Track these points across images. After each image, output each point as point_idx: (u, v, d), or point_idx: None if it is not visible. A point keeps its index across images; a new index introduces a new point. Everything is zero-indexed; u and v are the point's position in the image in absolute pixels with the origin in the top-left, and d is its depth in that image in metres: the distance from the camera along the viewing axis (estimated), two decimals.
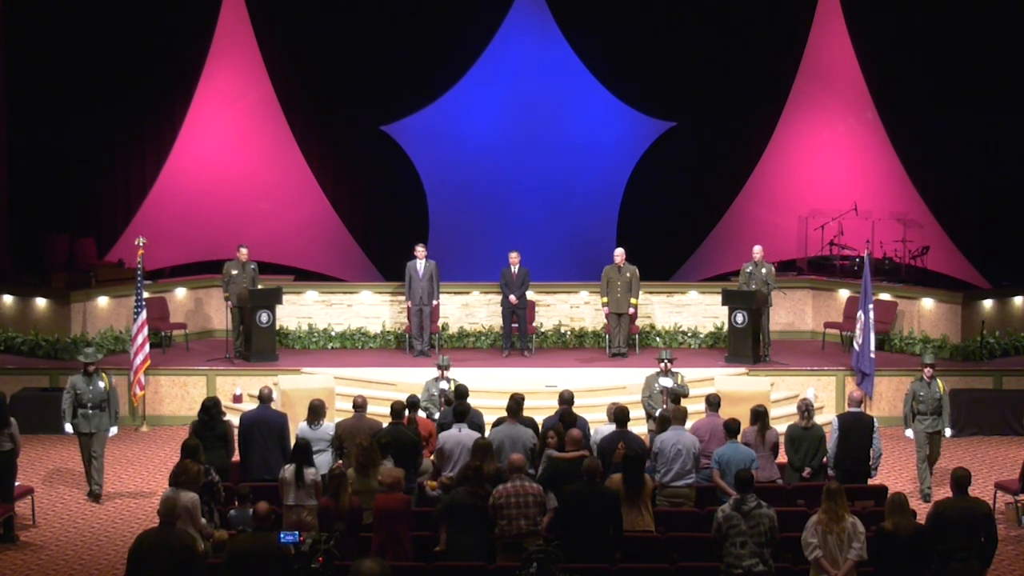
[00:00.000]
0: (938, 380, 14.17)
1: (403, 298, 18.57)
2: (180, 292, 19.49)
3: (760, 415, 12.60)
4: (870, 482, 12.76)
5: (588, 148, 21.62)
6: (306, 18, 20.66)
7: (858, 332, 16.75)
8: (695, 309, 19.42)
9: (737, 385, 16.37)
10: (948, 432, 14.36)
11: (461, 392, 12.96)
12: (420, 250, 18.25)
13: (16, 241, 19.55)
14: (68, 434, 14.13)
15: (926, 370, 14.17)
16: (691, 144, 21.31)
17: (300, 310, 19.28)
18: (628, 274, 18.16)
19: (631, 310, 18.23)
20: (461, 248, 20.77)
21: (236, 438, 12.73)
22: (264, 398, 12.86)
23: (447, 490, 10.87)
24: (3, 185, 19.39)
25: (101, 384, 13.95)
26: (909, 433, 14.25)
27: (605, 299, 18.20)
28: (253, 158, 20.93)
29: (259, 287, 18.09)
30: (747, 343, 17.70)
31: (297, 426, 12.64)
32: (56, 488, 14.44)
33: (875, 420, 12.91)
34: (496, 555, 10.25)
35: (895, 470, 15.10)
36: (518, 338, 18.58)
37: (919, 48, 19.83)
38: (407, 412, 12.47)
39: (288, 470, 11.05)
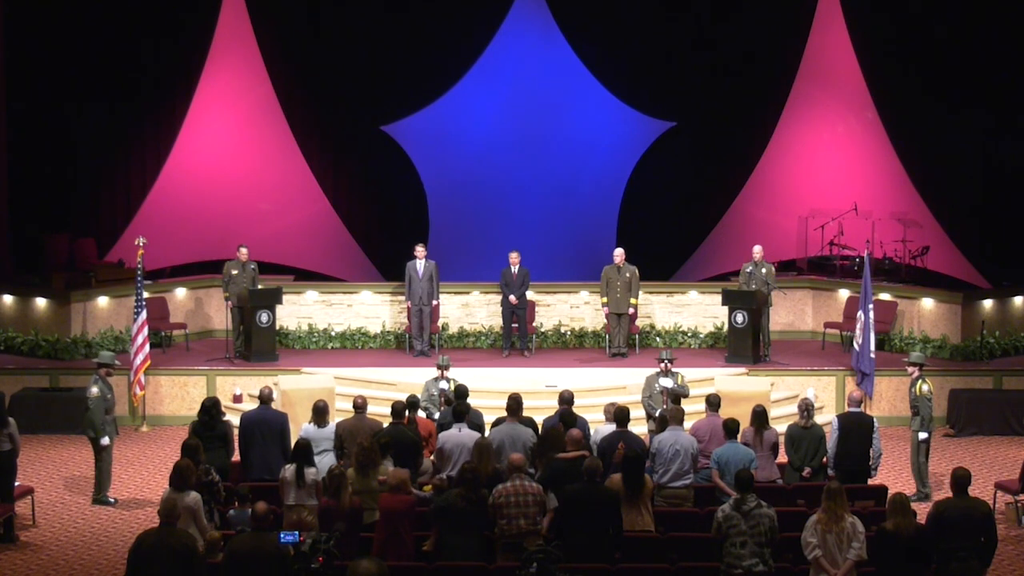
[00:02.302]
0: (920, 382, 13.88)
1: (403, 298, 18.56)
2: (180, 292, 19.49)
3: (758, 415, 12.61)
4: (870, 482, 12.76)
5: (588, 148, 21.62)
6: (306, 18, 20.66)
7: (858, 332, 16.73)
8: (695, 309, 19.42)
9: (737, 385, 16.36)
10: (921, 435, 13.85)
11: (461, 392, 12.96)
12: (420, 250, 18.25)
13: (16, 241, 19.54)
14: (104, 445, 13.59)
15: (909, 368, 14.13)
16: (691, 144, 21.29)
17: (300, 310, 19.28)
18: (628, 274, 18.15)
19: (631, 310, 18.22)
20: (461, 248, 20.76)
21: (236, 438, 12.74)
22: (264, 398, 12.85)
23: (440, 492, 10.86)
24: (3, 185, 19.37)
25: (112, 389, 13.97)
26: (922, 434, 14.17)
27: (605, 299, 18.20)
28: (253, 158, 20.92)
29: (259, 287, 18.09)
30: (747, 343, 17.70)
31: (300, 427, 12.63)
32: (56, 488, 14.42)
33: (875, 420, 12.91)
34: (496, 555, 10.24)
35: (895, 470, 15.08)
36: (518, 338, 18.57)
37: (919, 48, 19.81)
38: (407, 412, 12.48)
39: (289, 470, 11.06)
